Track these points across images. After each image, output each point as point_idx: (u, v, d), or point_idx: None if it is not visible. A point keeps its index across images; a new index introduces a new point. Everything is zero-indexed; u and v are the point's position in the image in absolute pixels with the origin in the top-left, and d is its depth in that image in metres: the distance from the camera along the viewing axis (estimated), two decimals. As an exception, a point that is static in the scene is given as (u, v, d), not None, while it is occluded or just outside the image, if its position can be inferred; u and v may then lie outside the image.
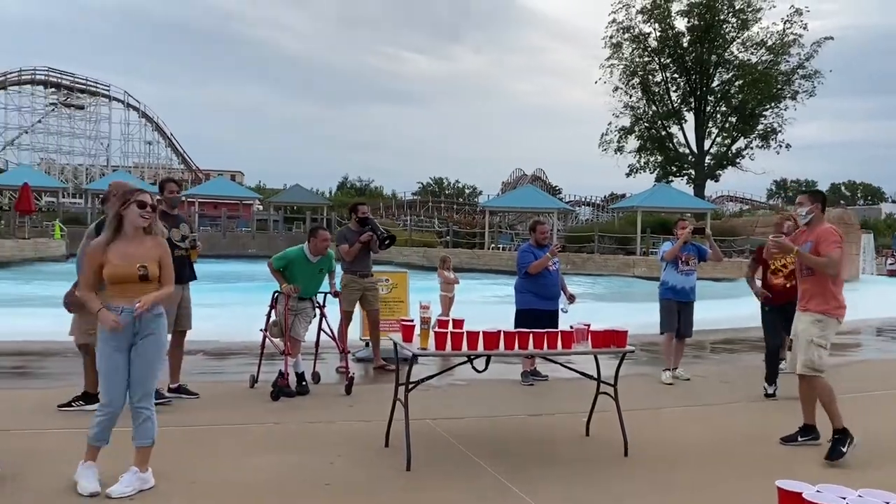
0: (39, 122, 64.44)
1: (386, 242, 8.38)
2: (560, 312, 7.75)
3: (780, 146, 43.87)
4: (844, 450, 5.17)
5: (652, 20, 43.44)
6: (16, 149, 63.48)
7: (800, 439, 5.55)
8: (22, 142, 63.74)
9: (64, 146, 65.89)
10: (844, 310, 5.41)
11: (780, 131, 43.59)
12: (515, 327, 6.02)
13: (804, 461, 5.13)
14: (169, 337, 6.42)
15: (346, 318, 8.22)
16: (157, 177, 64.46)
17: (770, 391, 7.40)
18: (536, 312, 7.48)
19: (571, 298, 7.97)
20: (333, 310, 7.26)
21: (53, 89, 65.08)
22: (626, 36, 44.07)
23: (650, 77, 44.67)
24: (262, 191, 65.84)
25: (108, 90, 66.89)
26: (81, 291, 4.27)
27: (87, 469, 4.15)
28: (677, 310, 8.14)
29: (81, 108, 66.39)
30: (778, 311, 7.31)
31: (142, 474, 4.16)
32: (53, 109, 65.15)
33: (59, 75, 64.83)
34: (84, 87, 66.31)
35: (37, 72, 63.95)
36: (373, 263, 8.68)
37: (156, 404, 6.19)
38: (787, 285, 7.17)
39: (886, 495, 2.76)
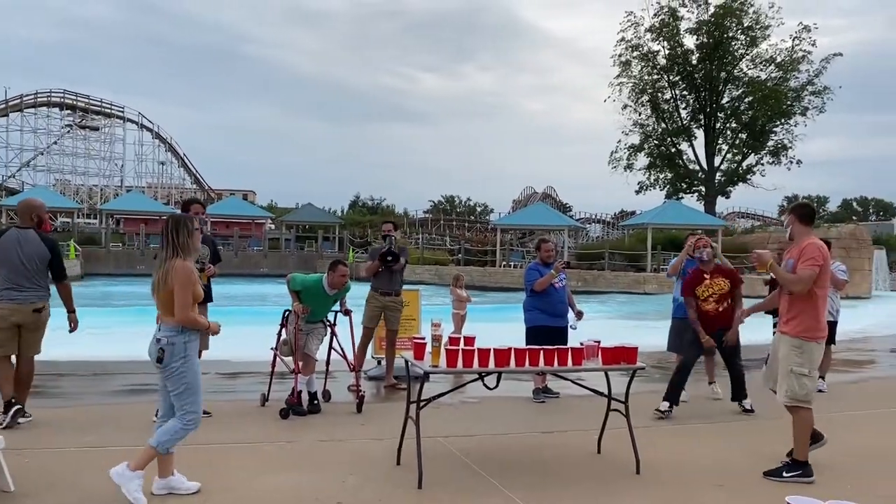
0: (55, 143, 65.24)
1: (388, 259, 8.31)
2: (570, 329, 7.75)
3: (791, 162, 43.75)
4: (787, 475, 5.04)
5: (660, 38, 43.51)
6: (32, 170, 64.24)
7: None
8: (38, 163, 64.55)
9: (79, 167, 66.66)
10: (825, 332, 5.18)
11: (790, 147, 43.46)
12: (526, 345, 6.04)
13: (820, 478, 5.09)
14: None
15: (366, 334, 8.23)
16: (171, 196, 65.05)
17: (664, 408, 7.08)
18: (545, 329, 7.50)
19: (579, 315, 7.98)
20: (344, 329, 7.29)
21: (69, 111, 65.95)
22: (635, 54, 44.13)
23: (659, 94, 44.67)
24: (275, 210, 66.19)
25: (123, 111, 67.71)
26: (187, 315, 4.33)
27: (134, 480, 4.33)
28: (688, 328, 8.07)
29: (96, 129, 67.23)
30: (711, 336, 7.15)
31: None
32: (69, 131, 65.95)
33: (74, 97, 65.70)
34: (99, 108, 67.17)
35: (52, 94, 64.84)
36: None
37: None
38: (720, 309, 7.10)
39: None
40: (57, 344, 10.85)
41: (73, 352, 10.27)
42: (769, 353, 5.58)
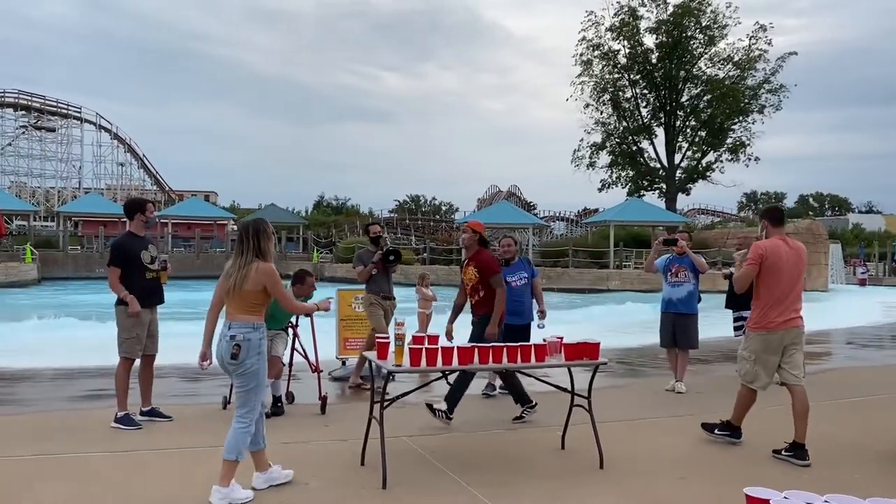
0: (10, 144, 63.60)
1: (391, 258, 8.28)
2: (537, 328, 7.68)
3: (750, 159, 44.54)
4: (717, 433, 5.97)
5: (621, 37, 44.00)
6: (-14, 172, 62.60)
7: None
8: (-9, 165, 62.89)
9: (35, 169, 65.11)
10: (766, 324, 5.54)
11: (748, 145, 44.26)
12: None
13: (777, 469, 5.20)
14: (138, 361, 6.41)
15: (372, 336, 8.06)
16: (131, 199, 63.73)
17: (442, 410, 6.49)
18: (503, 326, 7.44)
19: (542, 314, 7.90)
20: (306, 330, 7.22)
21: (24, 112, 64.35)
22: (596, 53, 44.58)
23: (620, 93, 45.17)
24: (237, 211, 65.39)
25: (80, 112, 66.25)
26: (295, 305, 5.10)
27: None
28: (672, 322, 8.28)
29: (53, 130, 65.68)
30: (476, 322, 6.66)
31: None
32: (24, 132, 64.36)
33: (29, 97, 64.13)
34: (55, 109, 65.61)
35: (6, 94, 63.22)
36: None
37: (125, 428, 6.15)
38: (474, 300, 6.63)
39: (852, 500, 2.82)
40: (11, 354, 10.66)
41: (33, 361, 10.08)
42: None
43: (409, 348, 4.92)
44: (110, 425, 6.17)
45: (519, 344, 5.19)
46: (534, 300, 7.90)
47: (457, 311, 6.97)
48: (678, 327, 8.27)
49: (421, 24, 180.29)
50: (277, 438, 5.97)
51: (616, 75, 44.97)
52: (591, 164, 46.07)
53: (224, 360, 4.50)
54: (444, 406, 6.48)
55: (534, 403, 6.79)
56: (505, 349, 5.07)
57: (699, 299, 8.43)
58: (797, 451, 5.42)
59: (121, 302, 6.26)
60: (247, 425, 4.49)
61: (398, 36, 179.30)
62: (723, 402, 7.44)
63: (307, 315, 6.86)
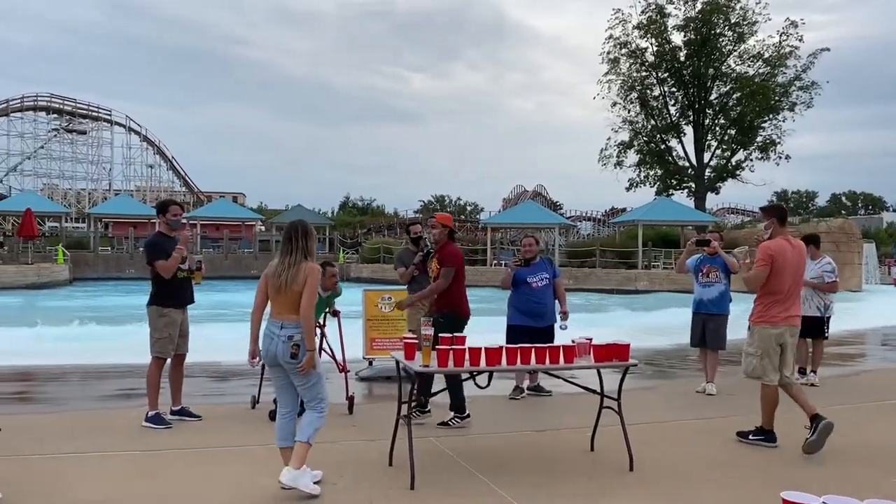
0: (42, 147, 64.74)
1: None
2: (560, 329, 7.56)
3: (780, 158, 43.87)
4: (752, 438, 5.88)
5: (648, 35, 43.58)
6: (19, 175, 63.76)
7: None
8: (25, 168, 64.02)
9: (66, 171, 66.19)
10: (769, 318, 5.68)
11: (779, 143, 43.58)
12: (506, 342, 6.01)
13: (809, 472, 5.09)
14: (168, 361, 6.46)
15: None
16: (159, 200, 64.45)
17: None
18: (520, 328, 7.33)
19: (564, 315, 7.70)
20: (333, 330, 7.23)
21: (55, 115, 65.44)
22: (624, 51, 44.19)
23: (648, 91, 44.73)
24: (264, 211, 65.95)
25: (110, 115, 67.22)
26: (312, 315, 4.70)
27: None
28: (702, 322, 8.19)
29: (83, 133, 66.73)
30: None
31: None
32: (56, 135, 65.46)
33: (60, 101, 65.21)
34: (86, 112, 66.66)
35: (39, 98, 64.33)
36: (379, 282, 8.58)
37: (155, 427, 6.20)
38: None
39: (892, 505, 2.74)
40: (43, 353, 10.82)
41: (64, 360, 10.22)
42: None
43: (437, 349, 4.89)
44: (141, 424, 6.23)
45: (548, 345, 5.14)
46: (557, 301, 7.79)
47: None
48: (708, 327, 8.17)
49: (443, 25, 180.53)
50: (305, 438, 5.99)
51: (644, 73, 44.54)
52: (619, 163, 45.66)
53: (283, 359, 4.59)
54: (451, 415, 6.43)
55: (465, 415, 6.48)
56: (533, 350, 5.02)
57: (730, 299, 8.31)
58: (816, 423, 5.49)
59: (153, 302, 6.32)
60: (322, 412, 4.67)
61: (423, 36, 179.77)
62: (753, 404, 7.32)
63: (321, 326, 6.92)
